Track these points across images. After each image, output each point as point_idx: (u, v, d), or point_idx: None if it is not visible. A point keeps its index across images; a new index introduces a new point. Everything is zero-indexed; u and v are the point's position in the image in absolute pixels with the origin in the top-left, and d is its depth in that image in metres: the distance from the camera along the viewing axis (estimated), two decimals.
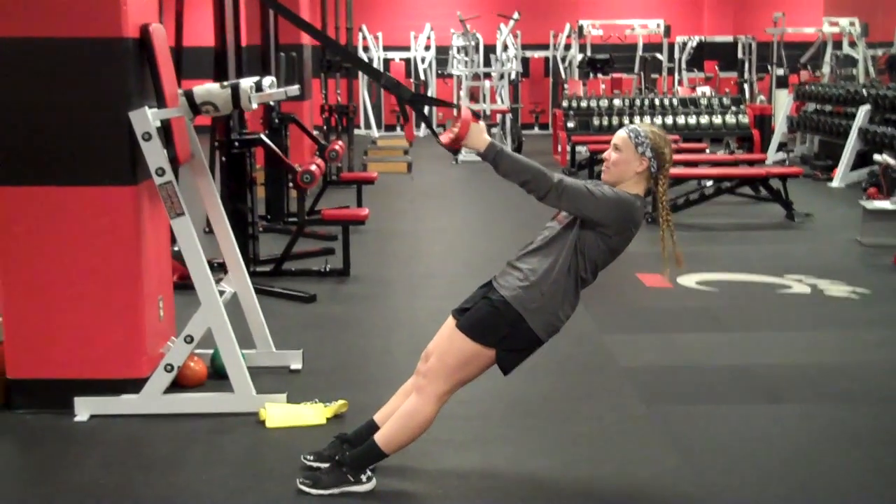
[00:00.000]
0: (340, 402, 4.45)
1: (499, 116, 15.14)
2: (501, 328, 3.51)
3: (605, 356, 5.37)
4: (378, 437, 3.64)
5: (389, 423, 3.65)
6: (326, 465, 3.76)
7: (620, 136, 3.56)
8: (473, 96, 16.45)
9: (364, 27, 18.39)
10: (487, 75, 16.67)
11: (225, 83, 4.55)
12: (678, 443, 4.19)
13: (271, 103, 8.36)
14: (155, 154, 4.31)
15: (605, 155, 3.61)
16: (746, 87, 17.42)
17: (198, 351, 4.70)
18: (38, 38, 4.28)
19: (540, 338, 3.55)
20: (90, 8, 4.25)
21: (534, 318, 3.49)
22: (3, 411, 4.49)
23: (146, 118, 4.28)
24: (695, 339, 5.70)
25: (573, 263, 3.49)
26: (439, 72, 19.34)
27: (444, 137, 3.46)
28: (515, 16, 16.02)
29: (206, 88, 4.52)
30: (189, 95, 4.48)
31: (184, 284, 5.58)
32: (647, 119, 13.91)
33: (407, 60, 19.53)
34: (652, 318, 6.15)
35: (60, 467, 4.00)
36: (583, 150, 13.28)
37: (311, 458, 3.86)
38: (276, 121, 8.89)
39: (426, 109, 3.92)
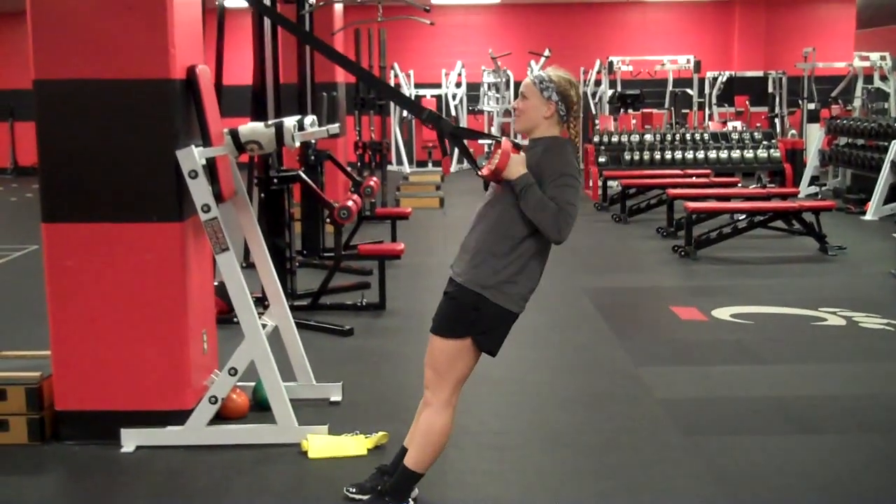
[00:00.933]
0: (381, 433, 4.52)
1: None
2: (466, 315, 3.55)
3: (640, 388, 5.41)
4: (407, 461, 3.72)
5: (413, 444, 3.74)
6: (368, 496, 3.83)
7: (525, 82, 3.63)
8: (504, 132, 16.57)
9: (396, 65, 18.60)
10: None
11: (269, 122, 4.67)
12: (715, 473, 4.22)
13: (311, 140, 8.50)
14: (201, 191, 4.44)
15: (513, 103, 3.67)
16: (777, 121, 17.43)
17: (239, 384, 4.78)
18: (89, 79, 4.43)
19: (510, 310, 3.56)
20: (140, 51, 4.41)
21: (494, 293, 3.52)
22: (52, 442, 4.60)
23: (193, 156, 4.42)
24: (730, 371, 5.73)
25: (520, 228, 3.51)
26: (470, 108, 19.51)
27: (485, 170, 3.55)
28: (546, 53, 16.18)
29: (251, 127, 4.64)
30: (234, 134, 4.60)
31: (222, 318, 5.70)
32: (678, 154, 13.97)
33: (438, 97, 19.71)
34: (687, 351, 6.19)
35: (107, 497, 4.10)
36: (614, 185, 13.35)
37: (353, 490, 3.92)
38: (312, 158, 9.02)
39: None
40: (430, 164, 19.25)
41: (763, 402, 5.14)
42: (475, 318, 3.55)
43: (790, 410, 5.01)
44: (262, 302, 5.56)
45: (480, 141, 16.46)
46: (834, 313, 7.06)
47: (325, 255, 9.22)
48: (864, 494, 4.02)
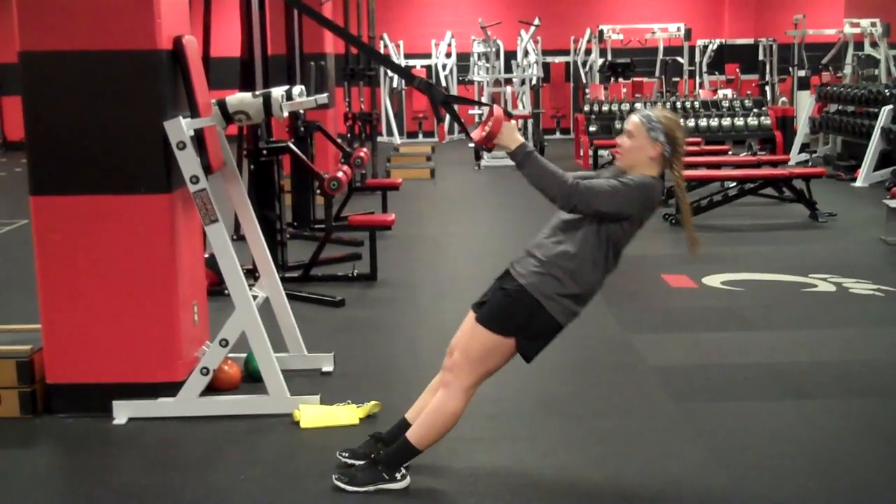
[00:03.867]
0: (373, 402, 4.53)
1: (520, 122, 15.21)
2: (519, 316, 3.54)
3: (632, 355, 5.43)
4: (410, 435, 3.71)
5: (420, 420, 3.72)
6: (361, 462, 3.84)
7: (633, 121, 3.58)
8: (495, 101, 16.53)
9: (385, 35, 18.50)
10: (509, 81, 16.76)
11: (257, 92, 4.65)
12: (706, 439, 4.24)
13: (300, 111, 8.47)
14: (189, 162, 4.42)
15: (617, 140, 3.63)
16: (768, 88, 17.41)
17: (231, 355, 4.78)
18: (75, 51, 4.39)
19: (560, 322, 3.56)
20: (126, 21, 4.37)
21: (551, 303, 3.51)
22: (44, 415, 4.60)
23: (180, 127, 4.39)
24: (721, 337, 5.75)
25: (592, 247, 3.50)
26: (461, 78, 19.45)
27: (476, 134, 3.52)
28: (536, 22, 16.09)
29: (239, 98, 4.62)
30: (222, 105, 4.57)
31: (214, 290, 5.70)
32: None
33: (428, 67, 19.64)
34: (678, 318, 6.20)
35: (101, 469, 4.09)
36: (605, 154, 13.34)
37: (346, 454, 3.94)
38: (302, 129, 8.99)
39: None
40: (420, 136, 19.21)
41: (754, 368, 5.16)
42: (527, 321, 3.54)
43: (781, 376, 5.04)
44: (252, 274, 5.55)
45: (471, 111, 16.43)
46: (824, 279, 7.08)
47: (316, 226, 9.21)
48: (854, 459, 4.04)
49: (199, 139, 4.53)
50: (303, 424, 4.40)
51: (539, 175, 3.45)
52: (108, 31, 4.38)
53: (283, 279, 5.54)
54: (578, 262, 3.51)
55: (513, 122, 3.51)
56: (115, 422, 4.48)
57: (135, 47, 4.40)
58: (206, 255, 5.32)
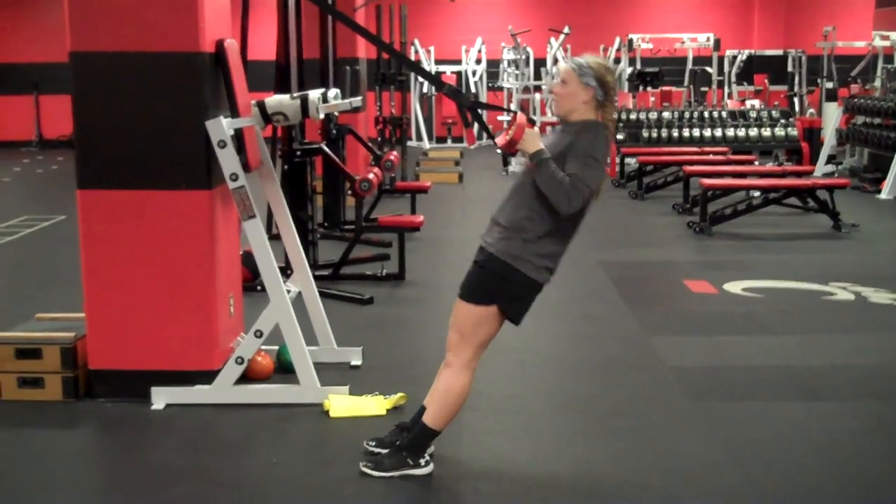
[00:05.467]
0: (399, 394, 4.70)
1: (549, 129, 15.35)
2: (493, 283, 3.72)
3: (652, 356, 5.57)
4: (426, 418, 3.90)
5: (433, 402, 3.90)
6: (387, 450, 4.01)
7: (565, 69, 3.77)
8: (524, 109, 16.69)
9: (416, 41, 18.70)
10: (538, 88, 16.89)
11: (294, 94, 4.83)
12: (721, 437, 4.38)
13: (335, 114, 8.66)
14: (229, 160, 4.61)
15: (552, 88, 3.82)
16: (796, 100, 17.46)
17: (263, 347, 4.96)
18: (123, 52, 4.60)
19: (537, 280, 3.73)
20: (171, 25, 4.57)
21: (523, 264, 3.68)
22: (85, 399, 4.80)
23: (221, 127, 4.59)
24: (740, 341, 5.88)
25: (544, 200, 3.65)
26: (490, 85, 19.60)
27: (500, 140, 3.72)
28: (566, 30, 16.23)
29: (278, 99, 4.81)
30: (261, 106, 4.77)
31: (246, 286, 5.88)
32: (696, 132, 14.03)
33: (458, 74, 19.81)
34: (698, 322, 6.34)
35: (139, 450, 4.30)
36: (632, 162, 13.46)
37: (373, 444, 4.11)
38: (334, 132, 9.18)
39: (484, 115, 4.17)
40: (449, 140, 19.38)
41: (771, 371, 5.29)
42: (503, 286, 3.71)
43: (797, 379, 5.16)
44: (285, 271, 5.73)
45: (499, 117, 16.59)
46: (844, 288, 7.18)
47: (346, 226, 9.39)
48: (865, 459, 4.17)
49: (238, 138, 4.72)
50: (332, 414, 4.58)
51: (547, 181, 3.62)
52: (155, 34, 4.58)
53: (314, 277, 5.73)
54: (537, 217, 3.68)
55: (536, 128, 3.70)
56: (153, 407, 4.68)
57: (179, 49, 4.60)
58: (241, 253, 5.50)
